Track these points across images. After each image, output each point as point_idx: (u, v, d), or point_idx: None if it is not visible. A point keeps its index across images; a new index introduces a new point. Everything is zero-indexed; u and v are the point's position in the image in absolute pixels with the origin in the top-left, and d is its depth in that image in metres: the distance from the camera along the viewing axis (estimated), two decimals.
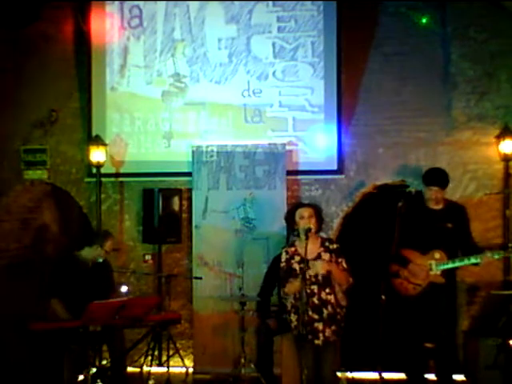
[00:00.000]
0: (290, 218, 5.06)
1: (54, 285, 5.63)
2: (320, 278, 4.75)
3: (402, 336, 5.44)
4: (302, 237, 4.86)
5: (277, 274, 5.19)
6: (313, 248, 4.84)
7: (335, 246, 4.89)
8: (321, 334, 4.70)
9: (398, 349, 5.46)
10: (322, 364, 4.80)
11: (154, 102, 7.22)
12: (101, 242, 5.79)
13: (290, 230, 6.27)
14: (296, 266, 4.82)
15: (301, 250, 4.78)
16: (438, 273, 5.29)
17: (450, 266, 5.29)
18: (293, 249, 4.88)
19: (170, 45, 7.20)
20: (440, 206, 5.50)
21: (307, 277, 4.72)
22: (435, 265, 5.32)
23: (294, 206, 5.20)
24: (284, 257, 4.96)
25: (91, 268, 5.75)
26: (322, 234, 5.34)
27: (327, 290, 4.75)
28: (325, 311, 4.72)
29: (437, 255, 5.31)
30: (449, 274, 5.35)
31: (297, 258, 4.78)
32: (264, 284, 5.97)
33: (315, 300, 4.74)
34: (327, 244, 4.88)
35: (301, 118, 6.96)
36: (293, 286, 4.81)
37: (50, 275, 5.75)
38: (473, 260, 5.23)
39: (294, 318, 4.86)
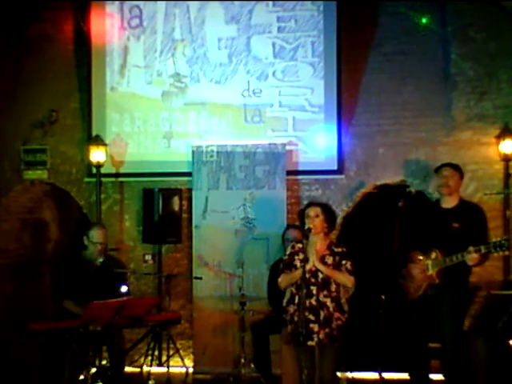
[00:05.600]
0: (301, 216, 5.03)
1: (64, 287, 5.61)
2: (320, 279, 4.73)
3: (406, 337, 5.39)
4: (306, 238, 4.83)
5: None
6: (319, 249, 4.80)
7: (340, 249, 4.82)
8: (315, 336, 4.68)
9: (400, 349, 5.43)
10: (320, 366, 4.78)
11: (154, 102, 7.22)
12: (87, 232, 5.68)
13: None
14: (297, 263, 4.79)
15: (308, 249, 4.75)
16: (434, 273, 5.12)
17: (443, 265, 5.08)
18: (300, 245, 4.84)
19: (170, 45, 7.21)
20: (453, 204, 5.27)
21: (306, 276, 4.70)
22: (431, 265, 5.15)
23: (306, 205, 5.15)
24: (289, 250, 4.94)
25: (98, 267, 5.66)
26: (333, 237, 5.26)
27: (325, 293, 4.72)
28: (321, 313, 4.69)
29: (433, 255, 5.14)
30: (456, 275, 5.12)
31: (301, 255, 4.74)
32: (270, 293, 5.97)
33: (313, 301, 4.71)
34: (333, 247, 4.83)
35: (301, 117, 6.96)
36: (286, 277, 4.79)
37: (59, 277, 5.72)
38: (459, 257, 4.96)
39: (289, 314, 4.83)
